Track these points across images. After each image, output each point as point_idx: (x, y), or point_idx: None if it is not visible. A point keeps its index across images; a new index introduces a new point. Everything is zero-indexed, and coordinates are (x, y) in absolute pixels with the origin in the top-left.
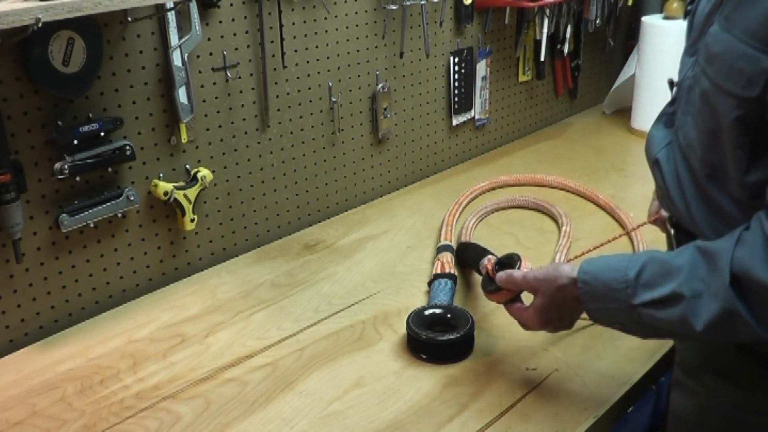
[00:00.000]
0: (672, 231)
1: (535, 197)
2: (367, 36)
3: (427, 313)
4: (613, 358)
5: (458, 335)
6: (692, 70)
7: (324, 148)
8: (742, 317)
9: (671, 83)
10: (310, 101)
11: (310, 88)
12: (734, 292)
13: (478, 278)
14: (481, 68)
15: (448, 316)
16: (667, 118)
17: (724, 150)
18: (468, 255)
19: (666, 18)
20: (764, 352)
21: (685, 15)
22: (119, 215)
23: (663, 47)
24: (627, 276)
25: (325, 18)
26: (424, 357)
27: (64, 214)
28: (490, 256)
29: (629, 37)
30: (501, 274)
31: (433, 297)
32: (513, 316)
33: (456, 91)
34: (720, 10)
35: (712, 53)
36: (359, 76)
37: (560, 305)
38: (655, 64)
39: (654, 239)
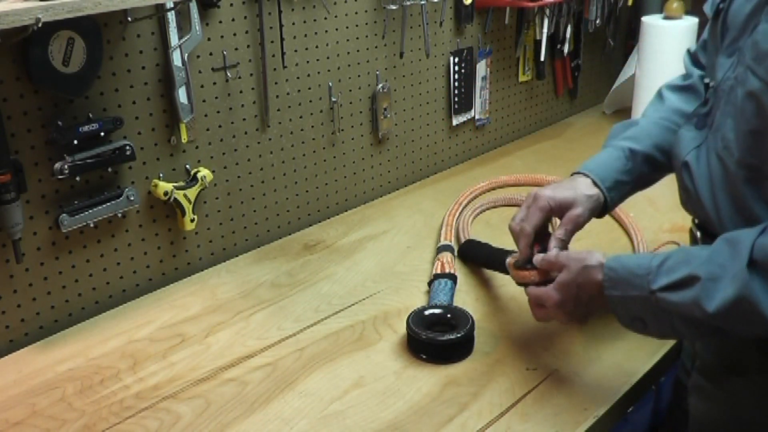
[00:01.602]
0: (698, 234)
1: None
2: (367, 36)
3: (427, 313)
4: (613, 359)
5: (458, 335)
6: (733, 70)
7: (324, 148)
8: (755, 305)
9: (706, 85)
10: (310, 101)
11: (310, 88)
12: (750, 276)
13: (478, 278)
14: (481, 68)
15: (448, 316)
16: (698, 119)
17: (766, 152)
18: (488, 252)
19: (666, 18)
20: None
21: (715, 14)
22: (119, 215)
23: (663, 47)
24: (651, 264)
25: (325, 18)
26: (424, 357)
27: (64, 214)
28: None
29: (629, 37)
30: (538, 255)
31: (433, 297)
32: (531, 295)
33: (456, 91)
34: (766, 10)
35: (762, 52)
36: (359, 76)
37: (581, 286)
38: (655, 64)
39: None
